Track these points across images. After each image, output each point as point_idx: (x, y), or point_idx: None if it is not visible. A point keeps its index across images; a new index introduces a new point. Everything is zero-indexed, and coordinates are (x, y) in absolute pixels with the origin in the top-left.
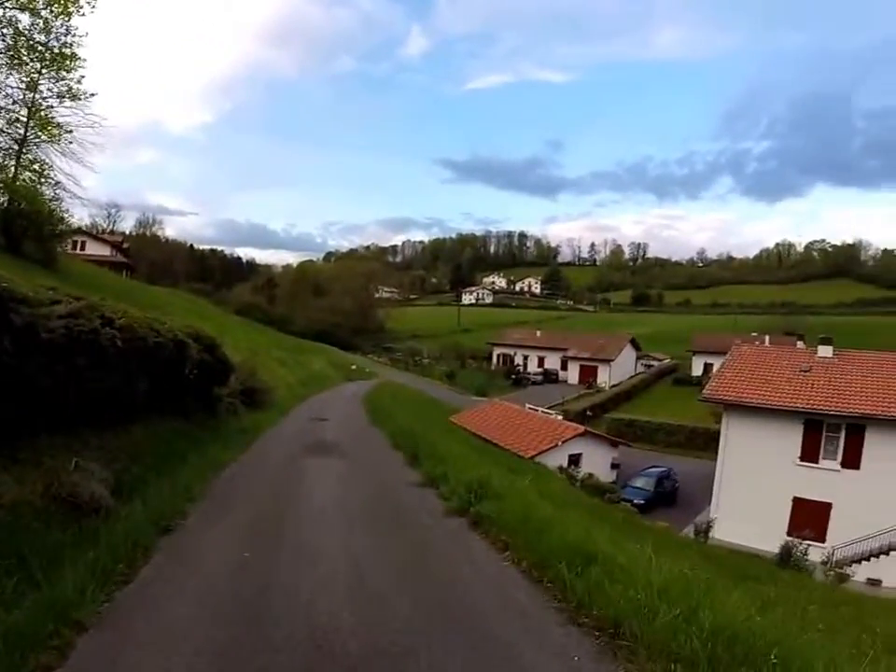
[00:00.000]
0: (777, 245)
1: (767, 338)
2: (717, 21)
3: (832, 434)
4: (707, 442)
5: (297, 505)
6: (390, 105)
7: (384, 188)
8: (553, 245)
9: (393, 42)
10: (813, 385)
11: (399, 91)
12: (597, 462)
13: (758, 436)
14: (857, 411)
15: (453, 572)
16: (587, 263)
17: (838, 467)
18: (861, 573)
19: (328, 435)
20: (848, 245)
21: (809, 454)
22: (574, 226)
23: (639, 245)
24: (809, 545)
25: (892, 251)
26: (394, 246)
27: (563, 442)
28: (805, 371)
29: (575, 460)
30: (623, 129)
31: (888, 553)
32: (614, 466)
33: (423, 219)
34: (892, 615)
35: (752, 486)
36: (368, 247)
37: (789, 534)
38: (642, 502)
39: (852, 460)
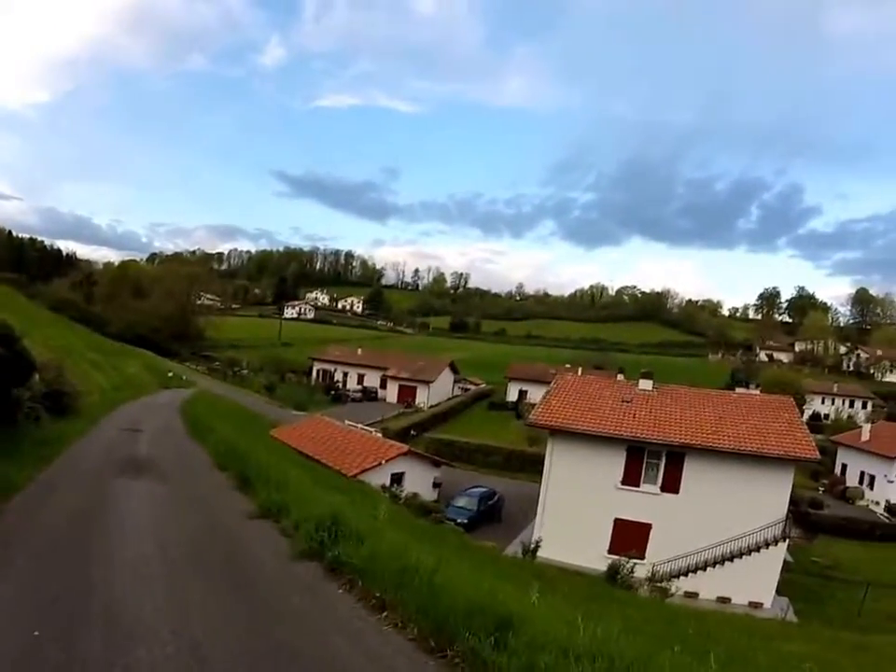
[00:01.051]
0: (592, 286)
1: (580, 370)
2: (561, 79)
3: (652, 461)
4: (522, 464)
5: (105, 549)
6: (235, 110)
7: (216, 193)
8: (378, 266)
9: (250, 47)
10: (635, 414)
11: (247, 97)
12: (420, 481)
13: (582, 460)
14: (677, 440)
15: (322, 647)
16: (410, 288)
17: (658, 490)
18: (680, 587)
19: (142, 450)
20: (657, 292)
21: (631, 478)
22: (400, 251)
23: (461, 274)
24: (635, 563)
25: (695, 301)
26: (220, 254)
27: (386, 461)
28: (628, 402)
29: (398, 479)
30: (458, 165)
31: (704, 569)
32: (436, 485)
33: (252, 230)
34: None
35: (576, 507)
36: (194, 252)
37: (610, 552)
38: (466, 521)
39: (671, 485)
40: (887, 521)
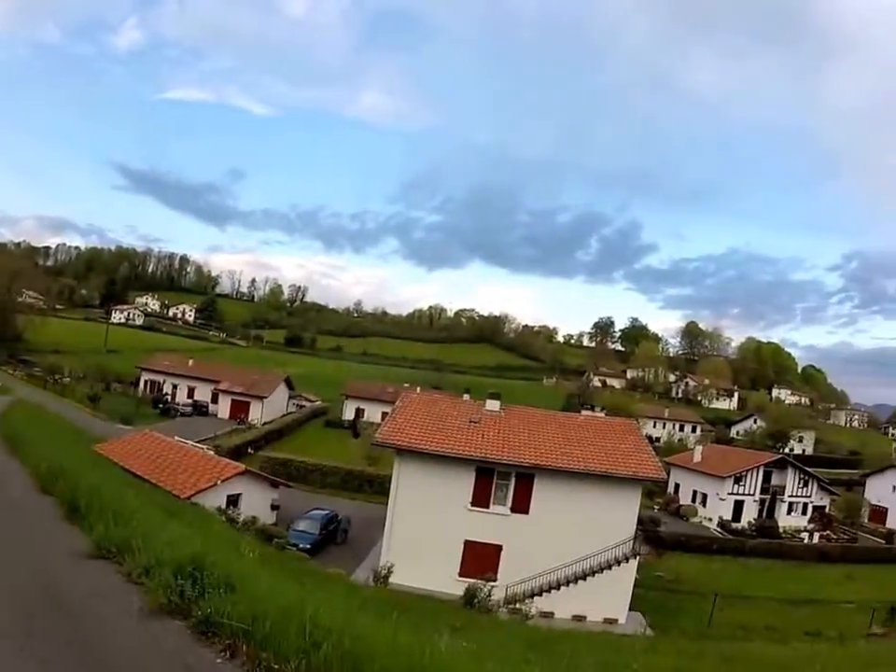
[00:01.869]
0: (431, 307)
1: (419, 389)
2: (420, 99)
3: (502, 481)
4: (361, 484)
5: None
6: (77, 91)
7: (49, 181)
8: (213, 274)
9: (103, 24)
10: (483, 435)
11: (92, 78)
12: (257, 503)
13: (430, 481)
14: (526, 461)
15: None
16: (245, 298)
17: (508, 511)
18: (535, 607)
19: None
20: (495, 316)
21: (480, 499)
22: (237, 259)
23: (299, 287)
24: (493, 586)
25: (531, 326)
26: (47, 248)
27: (222, 481)
28: (476, 422)
29: (234, 501)
30: (306, 174)
31: (558, 588)
32: (274, 507)
33: (83, 224)
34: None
35: (425, 529)
36: (19, 244)
37: (462, 575)
38: (308, 546)
39: (522, 506)
40: (720, 536)
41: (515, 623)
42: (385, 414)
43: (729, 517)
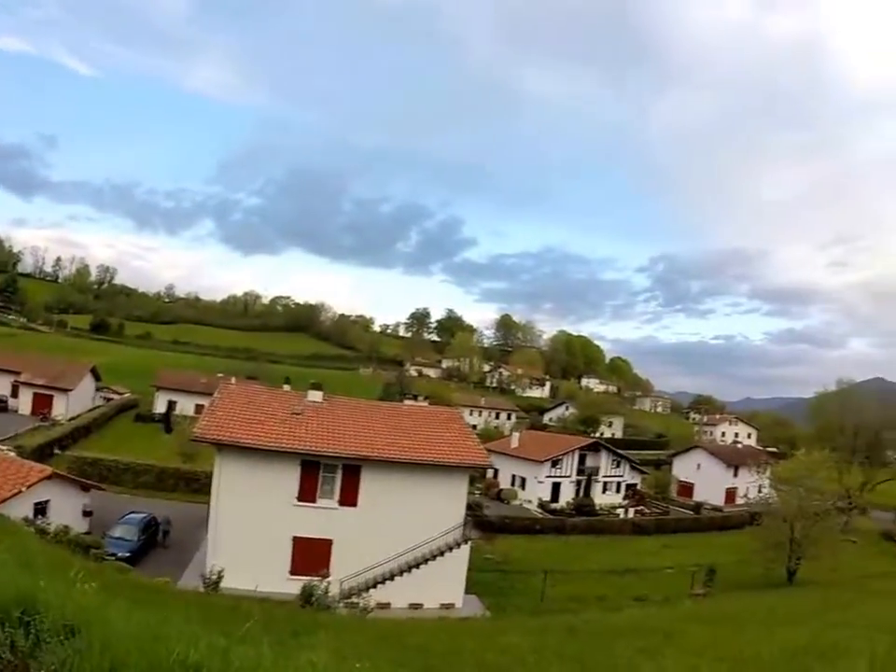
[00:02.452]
0: (246, 293)
1: (234, 379)
2: (252, 76)
3: (328, 475)
4: (177, 483)
5: None
6: None
7: None
8: (15, 250)
9: None
10: (307, 427)
11: None
12: (68, 510)
13: (254, 477)
14: (353, 452)
15: None
16: (49, 279)
17: (336, 505)
18: (372, 600)
19: None
20: (310, 304)
21: (307, 494)
22: (43, 234)
23: (108, 268)
24: (329, 582)
25: (347, 316)
26: None
27: (27, 488)
28: (298, 414)
29: (42, 509)
30: (122, 146)
31: (392, 579)
32: (86, 513)
33: None
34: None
35: (252, 528)
36: None
37: (293, 574)
38: (128, 554)
39: (349, 498)
40: (542, 516)
41: (356, 619)
42: (199, 407)
43: (548, 498)
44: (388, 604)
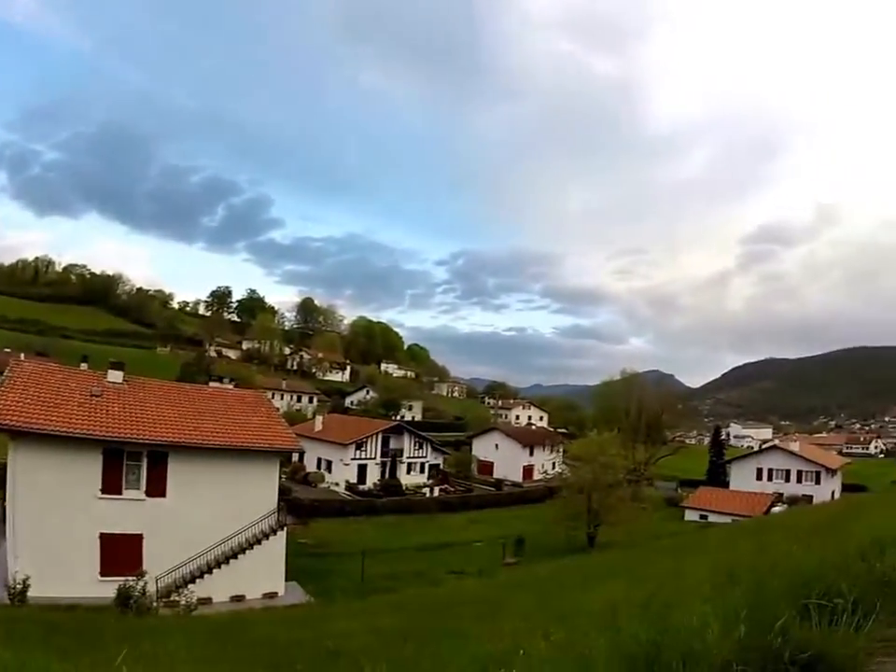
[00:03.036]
0: (37, 258)
1: (22, 355)
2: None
3: (133, 463)
4: None
5: None
6: None
7: None
8: None
9: None
10: (108, 410)
11: None
12: None
13: (54, 469)
14: (159, 438)
15: None
16: None
17: (143, 496)
18: (192, 596)
19: None
20: (108, 275)
21: (112, 485)
22: None
23: None
24: (146, 581)
25: (146, 290)
26: None
27: None
28: (97, 396)
29: None
30: None
31: (211, 572)
32: None
33: None
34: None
35: (55, 527)
36: None
37: (103, 575)
38: None
39: (157, 488)
40: (351, 498)
41: (182, 619)
42: None
43: (355, 480)
44: (210, 599)
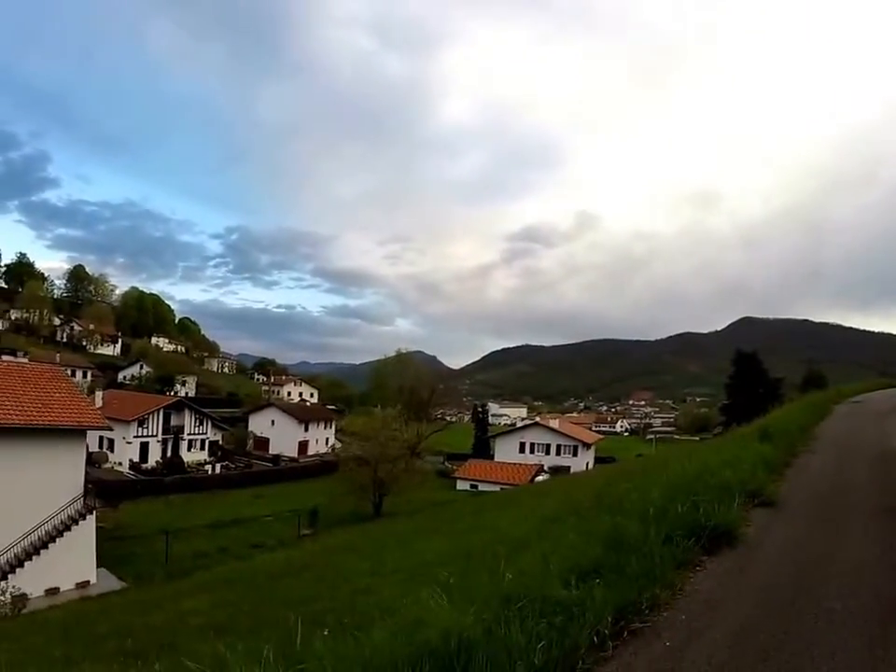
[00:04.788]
0: None
1: None
2: None
3: None
4: None
5: None
6: None
7: None
8: None
9: None
10: None
11: None
12: None
13: None
14: None
15: None
16: None
17: None
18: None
19: None
20: None
21: None
22: None
23: None
24: None
25: None
26: None
27: None
28: None
29: None
30: None
31: (22, 565)
32: None
33: None
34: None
35: None
36: None
37: None
38: None
39: None
40: (136, 478)
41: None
42: None
43: (137, 459)
44: (25, 595)
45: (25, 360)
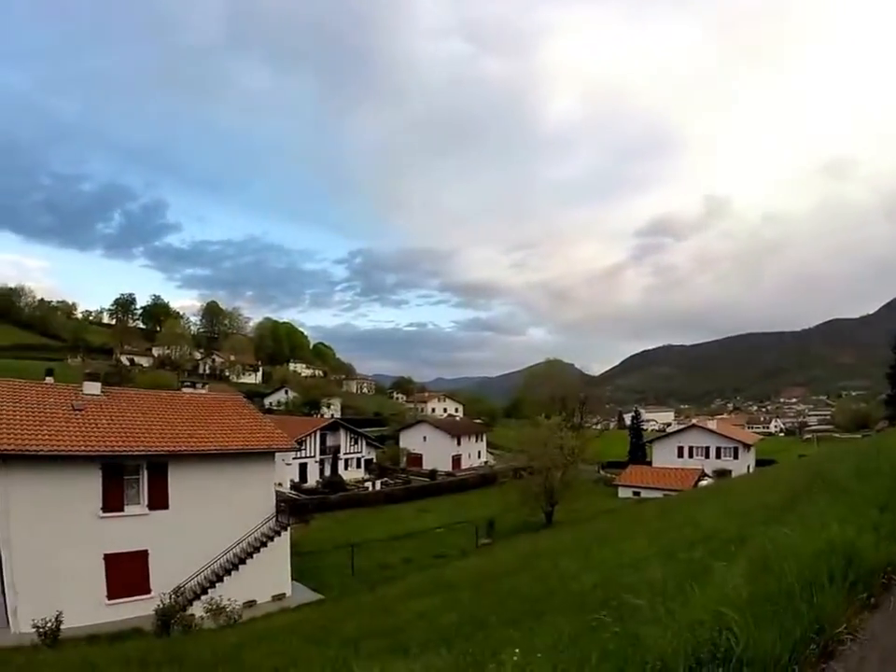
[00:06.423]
0: None
1: None
2: None
3: (132, 477)
4: None
5: None
6: None
7: None
8: None
9: None
10: (97, 424)
11: None
12: None
13: (50, 492)
14: (160, 449)
15: None
16: None
17: (146, 510)
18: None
19: None
20: (9, 288)
21: (113, 502)
22: None
23: None
24: (182, 599)
25: (48, 301)
26: None
27: None
28: (80, 410)
29: None
30: None
31: (222, 580)
32: None
33: None
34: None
35: (57, 554)
36: None
37: (111, 598)
38: None
39: (159, 501)
40: (298, 497)
41: (236, 631)
42: None
43: (297, 479)
44: (254, 601)
45: (204, 391)
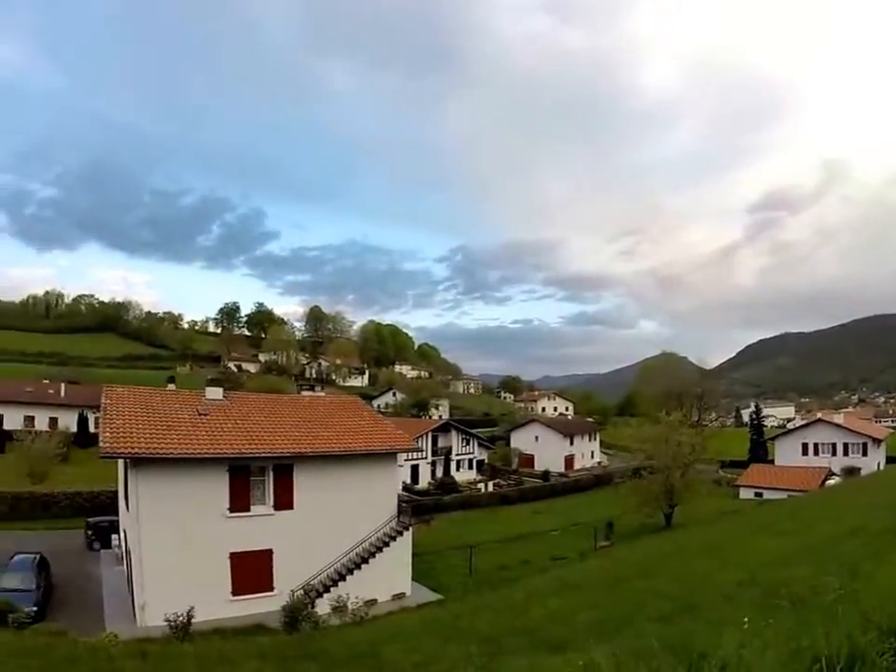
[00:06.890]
0: (47, 292)
1: (63, 386)
2: (42, 53)
3: (258, 478)
4: (33, 509)
5: None
6: None
7: None
8: None
9: None
10: (223, 428)
11: None
12: None
13: (179, 492)
14: (285, 451)
15: None
16: None
17: (272, 510)
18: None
19: None
20: (117, 302)
21: (239, 502)
22: None
23: None
24: (315, 595)
25: (154, 313)
26: None
27: None
28: (204, 415)
29: None
30: None
31: (344, 579)
32: None
33: None
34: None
35: (184, 552)
36: None
37: (235, 594)
38: (35, 608)
39: (285, 501)
40: (409, 498)
41: (364, 629)
42: (29, 419)
43: (409, 481)
44: (374, 600)
45: (322, 394)
